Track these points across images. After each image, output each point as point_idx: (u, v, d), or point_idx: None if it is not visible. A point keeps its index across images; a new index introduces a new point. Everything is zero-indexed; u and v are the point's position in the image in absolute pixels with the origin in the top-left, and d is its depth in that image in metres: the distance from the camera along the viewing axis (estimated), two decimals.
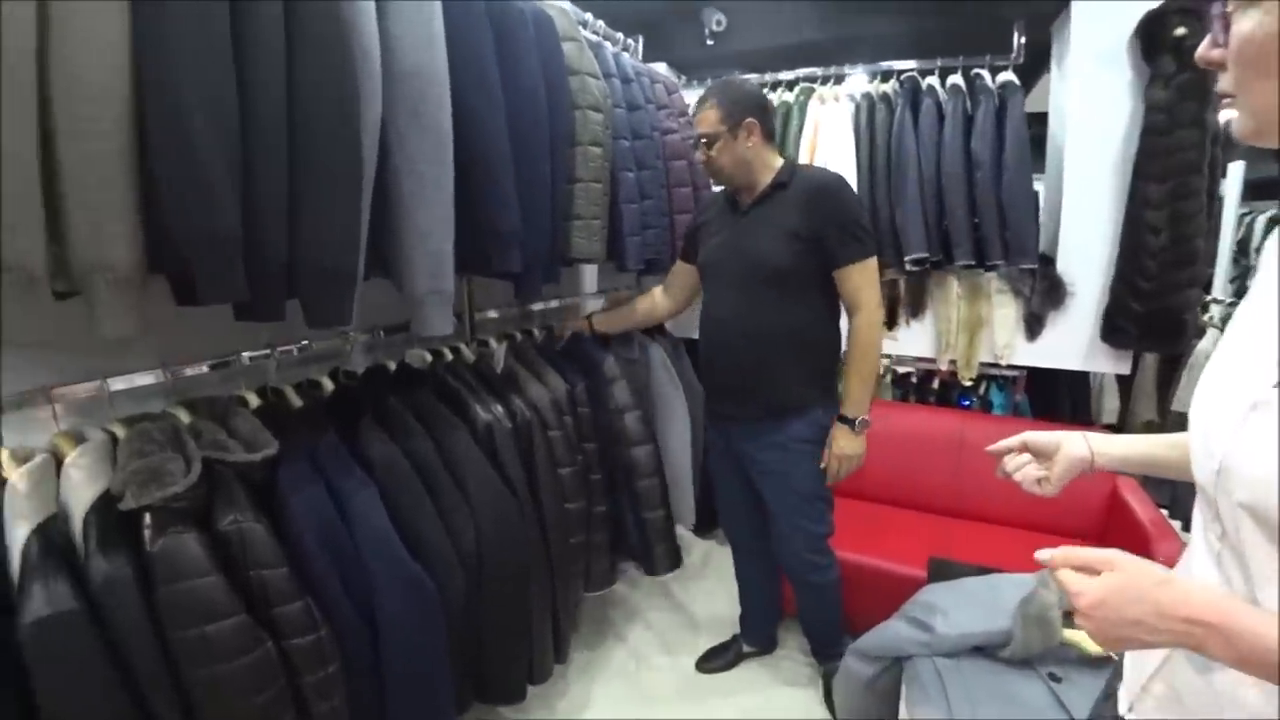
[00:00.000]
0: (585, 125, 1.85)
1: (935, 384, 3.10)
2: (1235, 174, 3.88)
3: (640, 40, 2.75)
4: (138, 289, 1.00)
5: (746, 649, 2.28)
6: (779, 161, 1.81)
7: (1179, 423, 0.75)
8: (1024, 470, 0.97)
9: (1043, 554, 0.70)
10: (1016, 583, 1.62)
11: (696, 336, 1.99)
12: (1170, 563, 0.72)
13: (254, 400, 1.39)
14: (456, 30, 1.38)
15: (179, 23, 0.93)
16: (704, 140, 1.76)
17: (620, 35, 2.41)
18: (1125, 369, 2.61)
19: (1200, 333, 2.74)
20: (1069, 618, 1.47)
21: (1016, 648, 1.49)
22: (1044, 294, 2.55)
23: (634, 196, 2.13)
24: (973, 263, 2.52)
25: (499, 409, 1.71)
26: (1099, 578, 0.64)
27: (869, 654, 1.72)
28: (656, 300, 2.18)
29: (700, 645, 2.32)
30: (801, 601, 2.09)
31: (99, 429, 1.18)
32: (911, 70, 2.64)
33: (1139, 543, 1.99)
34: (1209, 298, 3.17)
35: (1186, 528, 0.78)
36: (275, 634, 1.12)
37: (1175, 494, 2.69)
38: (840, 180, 1.79)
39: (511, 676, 1.71)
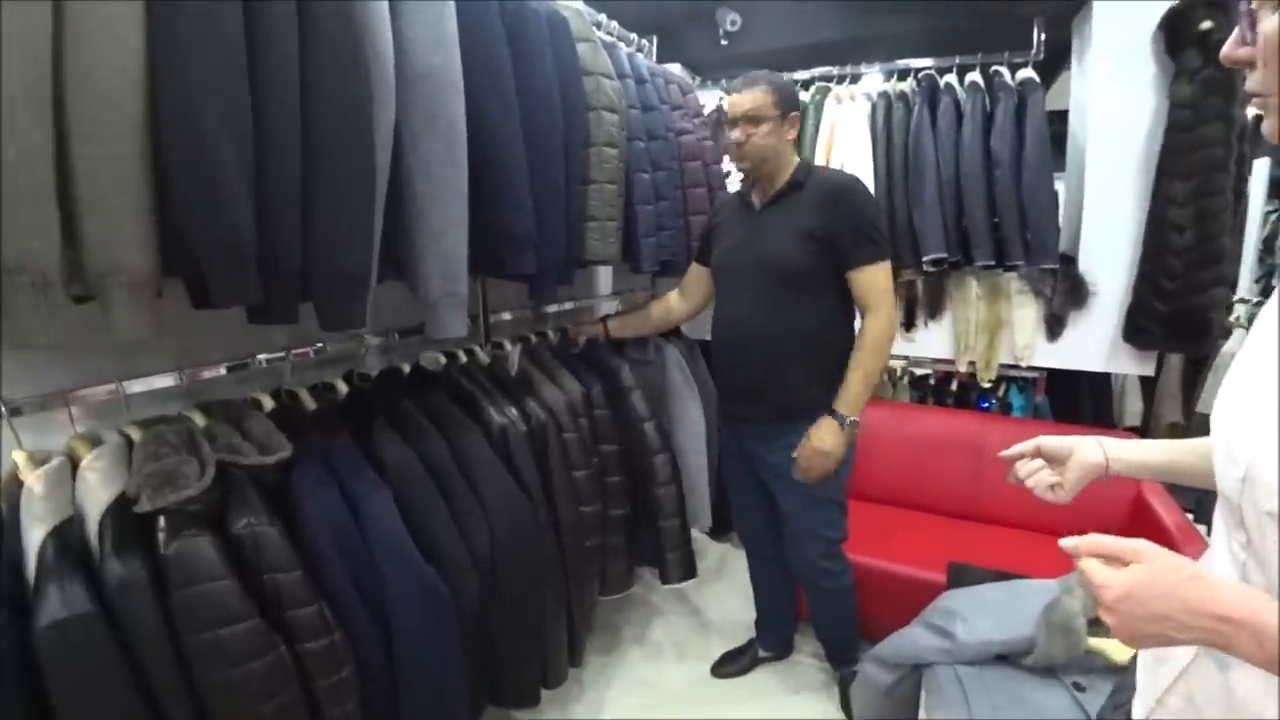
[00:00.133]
0: (600, 126, 1.85)
1: (954, 386, 3.06)
2: (1261, 171, 3.79)
3: (654, 41, 2.74)
4: (152, 292, 1.00)
5: (762, 654, 2.26)
6: (796, 160, 1.80)
7: (1205, 425, 0.72)
8: (1036, 476, 0.95)
9: (1067, 542, 0.68)
10: (1038, 589, 1.59)
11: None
12: None
13: (269, 403, 1.40)
14: (470, 31, 1.38)
15: (193, 26, 0.93)
16: (749, 119, 1.71)
17: (634, 36, 2.41)
18: (1149, 370, 2.56)
19: (1226, 333, 2.68)
20: (1094, 625, 1.44)
21: (1040, 656, 1.46)
22: (1065, 294, 2.51)
23: (649, 198, 2.11)
24: (992, 263, 2.48)
25: (513, 411, 1.70)
26: (1125, 570, 0.62)
27: (888, 661, 1.69)
28: (671, 304, 2.17)
29: (715, 649, 2.31)
30: (815, 607, 2.07)
31: (115, 432, 1.18)
32: (929, 68, 2.60)
33: (1164, 548, 1.95)
34: (1235, 297, 3.11)
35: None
36: (289, 638, 1.12)
37: (1200, 499, 2.64)
38: (856, 182, 1.77)
39: (525, 680, 1.70)
